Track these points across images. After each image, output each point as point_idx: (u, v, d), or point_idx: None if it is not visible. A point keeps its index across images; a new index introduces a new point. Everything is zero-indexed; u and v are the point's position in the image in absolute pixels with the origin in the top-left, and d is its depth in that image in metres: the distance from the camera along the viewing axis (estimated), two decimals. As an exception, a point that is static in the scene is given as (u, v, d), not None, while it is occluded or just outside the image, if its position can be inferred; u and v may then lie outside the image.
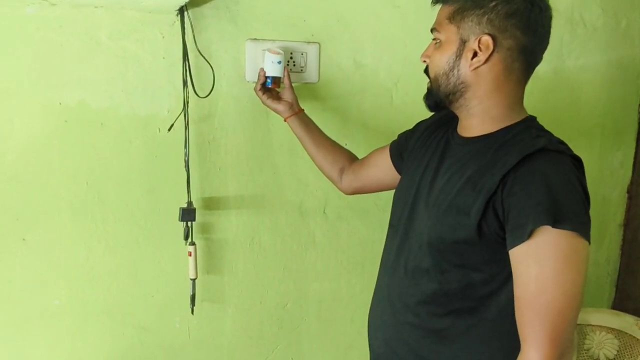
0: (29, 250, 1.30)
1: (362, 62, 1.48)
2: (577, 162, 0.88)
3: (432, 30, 0.95)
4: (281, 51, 1.31)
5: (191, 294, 1.40)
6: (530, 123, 0.93)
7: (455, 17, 0.89)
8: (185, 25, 1.28)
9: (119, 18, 1.25)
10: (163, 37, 1.30)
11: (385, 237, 1.13)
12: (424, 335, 0.97)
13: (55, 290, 1.33)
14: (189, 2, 1.24)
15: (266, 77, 1.31)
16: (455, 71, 0.90)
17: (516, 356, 0.83)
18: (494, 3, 0.86)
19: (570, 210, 0.79)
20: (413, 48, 1.51)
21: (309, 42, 1.42)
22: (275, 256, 1.52)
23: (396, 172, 1.20)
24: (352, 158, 1.35)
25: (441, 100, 0.95)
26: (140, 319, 1.41)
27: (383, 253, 1.12)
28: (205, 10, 1.32)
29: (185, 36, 1.29)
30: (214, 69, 1.33)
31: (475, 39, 0.87)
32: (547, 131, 0.93)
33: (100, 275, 1.36)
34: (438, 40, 0.93)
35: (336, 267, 1.59)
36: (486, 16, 0.86)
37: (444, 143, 1.01)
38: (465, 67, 0.89)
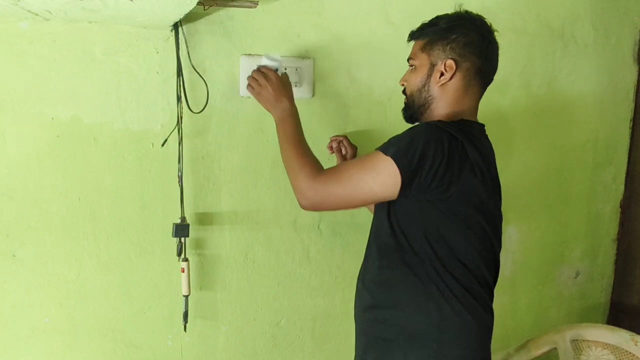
0: (20, 266, 1.28)
1: (356, 77, 1.49)
2: (452, 137, 1.05)
3: (408, 60, 1.20)
4: (279, 57, 1.30)
5: (184, 310, 1.38)
6: (460, 120, 1.13)
7: (426, 47, 1.15)
8: (180, 40, 1.29)
9: (113, 33, 1.26)
10: (157, 52, 1.30)
11: None
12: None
13: (45, 307, 1.31)
14: (183, 18, 1.24)
15: None
16: (426, 87, 1.15)
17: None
18: (454, 36, 1.11)
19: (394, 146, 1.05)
20: (407, 63, 1.51)
21: (303, 58, 1.42)
22: (269, 272, 1.50)
23: None
24: None
25: (414, 112, 1.19)
26: (132, 337, 1.39)
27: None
28: (200, 25, 1.32)
29: (180, 51, 1.29)
30: (207, 84, 1.33)
31: (442, 62, 1.13)
32: (456, 122, 1.10)
33: (92, 292, 1.34)
34: (413, 66, 1.18)
35: (331, 283, 1.57)
36: (449, 45, 1.12)
37: None
38: (434, 84, 1.14)
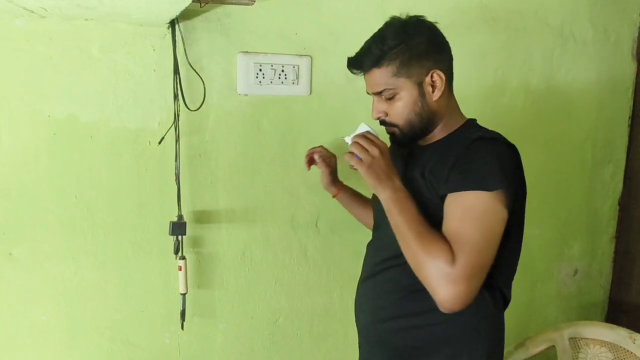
0: (16, 264, 1.27)
1: (354, 75, 1.47)
2: (512, 148, 1.04)
3: (378, 93, 1.06)
4: (375, 131, 1.09)
5: (181, 309, 1.38)
6: (470, 124, 1.10)
7: (401, 71, 1.03)
8: (177, 38, 1.28)
9: (110, 31, 1.25)
10: (154, 49, 1.29)
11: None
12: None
13: (42, 305, 1.31)
14: (180, 15, 1.24)
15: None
16: (425, 107, 1.05)
17: None
18: (423, 46, 1.03)
19: (492, 177, 0.96)
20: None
21: (300, 55, 1.42)
22: (266, 270, 1.50)
23: None
24: None
25: (416, 136, 1.08)
26: (129, 335, 1.39)
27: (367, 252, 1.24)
28: (197, 23, 1.32)
29: (177, 49, 1.29)
30: (205, 82, 1.33)
31: (428, 76, 1.03)
32: (483, 127, 1.09)
33: (89, 290, 1.34)
34: (391, 96, 1.05)
35: (329, 281, 1.57)
36: (423, 57, 1.03)
37: (407, 152, 1.16)
38: (430, 100, 1.05)
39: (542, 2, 1.67)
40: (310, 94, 1.45)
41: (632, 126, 1.92)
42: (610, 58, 1.82)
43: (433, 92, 1.04)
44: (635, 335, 1.52)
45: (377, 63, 1.04)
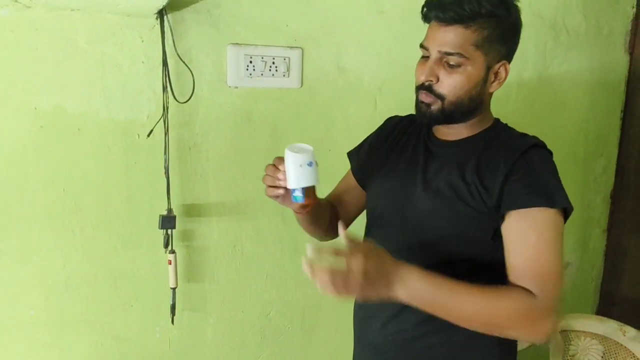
0: (4, 258, 1.26)
1: (345, 67, 1.47)
2: (551, 155, 1.00)
3: (445, 53, 0.92)
4: (309, 147, 0.94)
5: (171, 303, 1.37)
6: (502, 124, 1.05)
7: (484, 45, 0.92)
8: (165, 29, 1.26)
9: (96, 21, 1.23)
10: (142, 41, 1.27)
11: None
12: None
13: (31, 300, 1.30)
14: (168, 6, 1.22)
15: (295, 191, 0.92)
16: (480, 94, 0.96)
17: None
18: (510, 31, 0.95)
19: (560, 193, 0.91)
20: (398, 53, 1.50)
21: (291, 47, 1.40)
22: (257, 263, 1.49)
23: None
24: (335, 209, 1.20)
25: (452, 118, 0.97)
26: (119, 329, 1.38)
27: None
28: (186, 14, 1.30)
29: (165, 40, 1.26)
30: (194, 74, 1.31)
31: (499, 65, 0.95)
32: (514, 129, 1.04)
33: (78, 284, 1.32)
34: (457, 64, 0.92)
35: (320, 275, 1.56)
36: (505, 44, 0.94)
37: (423, 147, 1.06)
38: (487, 90, 0.97)
39: (535, -6, 1.66)
40: (302, 86, 1.44)
41: (624, 119, 1.92)
42: (603, 51, 1.81)
43: (493, 82, 0.96)
44: (626, 327, 1.53)
45: (467, 21, 0.89)
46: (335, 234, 1.15)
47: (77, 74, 1.24)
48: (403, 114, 1.19)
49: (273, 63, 1.39)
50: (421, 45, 0.97)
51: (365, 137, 1.21)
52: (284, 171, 0.93)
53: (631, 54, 1.86)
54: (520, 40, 1.69)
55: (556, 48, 1.73)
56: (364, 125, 1.50)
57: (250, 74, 1.37)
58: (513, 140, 0.98)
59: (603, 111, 1.87)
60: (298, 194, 0.92)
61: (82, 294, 1.33)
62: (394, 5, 1.48)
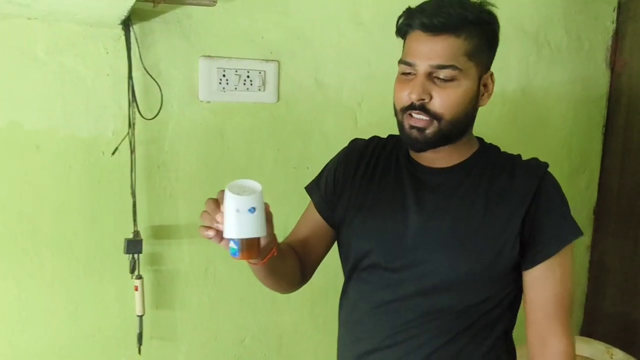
0: (-49, 288, 1.16)
1: (324, 81, 1.41)
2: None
3: (437, 67, 0.83)
4: (257, 186, 0.76)
5: (138, 332, 1.28)
6: (487, 143, 0.98)
7: (474, 54, 0.84)
8: (131, 40, 1.19)
9: (56, 31, 1.15)
10: (107, 52, 1.20)
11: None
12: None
13: (-18, 332, 1.19)
14: (135, 16, 1.15)
15: (230, 241, 0.76)
16: (474, 109, 0.89)
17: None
18: (494, 39, 0.89)
19: (572, 220, 0.90)
20: (378, 66, 1.45)
21: (267, 60, 1.34)
22: (231, 287, 1.41)
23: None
24: (298, 254, 1.02)
25: (447, 139, 0.87)
26: (81, 361, 1.28)
27: (355, 298, 0.97)
28: (154, 24, 1.23)
29: (132, 52, 1.19)
30: (162, 88, 1.24)
31: (487, 77, 0.89)
32: (497, 147, 0.99)
33: (34, 315, 1.22)
34: (450, 77, 0.83)
35: (298, 298, 1.49)
36: (490, 53, 0.89)
37: (408, 176, 0.94)
38: (477, 104, 0.89)
39: (517, 9, 1.63)
40: (278, 101, 1.38)
41: (605, 135, 1.90)
42: (584, 66, 1.80)
43: (483, 95, 0.89)
44: (613, 349, 1.49)
45: (457, 29, 0.81)
46: (300, 285, 1.04)
47: (35, 87, 1.16)
48: (385, 130, 1.10)
49: (248, 76, 1.32)
50: (402, 62, 0.87)
51: (324, 166, 1.07)
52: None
53: (612, 69, 1.85)
54: (504, 54, 1.66)
55: (539, 62, 1.70)
56: (343, 141, 1.42)
57: (224, 88, 1.31)
58: (517, 165, 0.92)
59: (585, 126, 1.85)
60: (233, 245, 0.75)
61: (39, 325, 1.23)
62: (374, 16, 1.43)
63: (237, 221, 0.72)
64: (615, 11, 1.82)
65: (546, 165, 0.92)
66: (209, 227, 0.78)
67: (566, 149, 1.82)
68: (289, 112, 1.39)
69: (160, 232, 1.31)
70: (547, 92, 1.74)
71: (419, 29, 0.83)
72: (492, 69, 0.91)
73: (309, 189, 1.06)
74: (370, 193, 0.95)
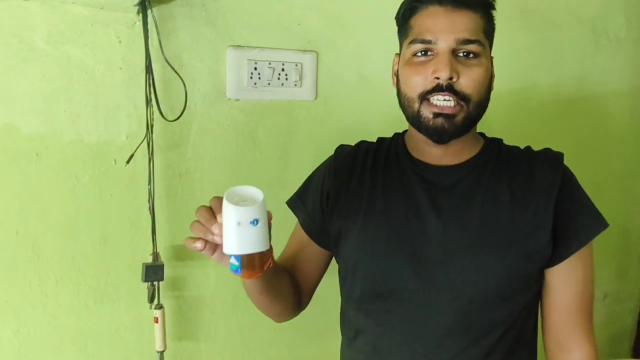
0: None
1: (368, 75, 1.27)
2: None
3: (465, 41, 0.78)
4: (259, 193, 0.67)
5: (158, 370, 1.11)
6: (488, 137, 0.91)
7: (489, 34, 0.82)
8: (149, 26, 1.02)
9: (59, 16, 0.99)
10: (120, 41, 1.04)
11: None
12: None
13: (-26, 374, 1.03)
14: (153, -4, 0.97)
15: (231, 257, 0.67)
16: (491, 92, 0.83)
17: None
18: (494, 22, 0.84)
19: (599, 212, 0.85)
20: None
21: (304, 51, 1.20)
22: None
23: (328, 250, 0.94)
24: (294, 277, 0.94)
25: (469, 126, 0.82)
26: (91, 406, 1.11)
27: (376, 335, 0.86)
28: (175, 8, 1.07)
29: (149, 41, 1.03)
30: (185, 83, 1.07)
31: (492, 58, 0.84)
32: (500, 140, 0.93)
33: (36, 351, 1.06)
34: (475, 54, 0.78)
35: (337, 325, 1.32)
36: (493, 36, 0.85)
37: (416, 180, 0.84)
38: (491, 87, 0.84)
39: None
40: (316, 98, 1.23)
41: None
42: (644, 58, 1.65)
43: (492, 80, 0.85)
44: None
45: (475, 5, 0.78)
46: (296, 312, 0.95)
47: (34, 83, 1.00)
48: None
49: (282, 70, 1.17)
50: (417, 41, 0.79)
51: (306, 179, 0.97)
52: (222, 224, 0.64)
53: (672, 61, 1.69)
54: (558, 45, 1.53)
55: (596, 54, 1.57)
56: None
57: (255, 84, 1.15)
58: (533, 156, 0.86)
59: (645, 125, 1.71)
60: (234, 262, 0.67)
61: (43, 364, 1.06)
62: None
63: (239, 235, 0.64)
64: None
65: (562, 155, 0.87)
66: (198, 239, 0.68)
67: (622, 147, 1.68)
68: (327, 111, 1.26)
69: (183, 253, 1.15)
70: (605, 87, 1.61)
71: (436, 3, 0.78)
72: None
73: (292, 204, 0.96)
74: (376, 203, 0.85)
